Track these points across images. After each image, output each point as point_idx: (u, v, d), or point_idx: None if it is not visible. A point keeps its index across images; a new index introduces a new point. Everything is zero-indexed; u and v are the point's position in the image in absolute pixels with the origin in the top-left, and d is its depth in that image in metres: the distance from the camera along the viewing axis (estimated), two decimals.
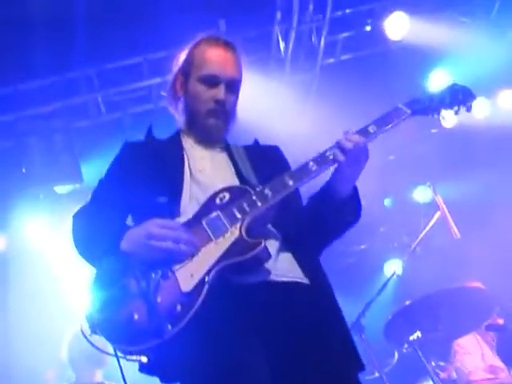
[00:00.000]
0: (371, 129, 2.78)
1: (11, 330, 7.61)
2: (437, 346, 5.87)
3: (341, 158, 2.67)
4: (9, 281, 7.68)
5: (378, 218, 9.08)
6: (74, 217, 2.94)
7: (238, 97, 3.05)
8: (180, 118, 3.10)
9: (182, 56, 3.07)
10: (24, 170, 7.08)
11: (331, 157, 2.69)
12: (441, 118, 2.98)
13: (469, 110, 2.97)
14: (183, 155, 2.95)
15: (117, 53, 7.28)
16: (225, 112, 2.98)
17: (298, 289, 2.69)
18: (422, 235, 5.98)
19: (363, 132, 2.76)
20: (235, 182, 2.87)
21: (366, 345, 5.53)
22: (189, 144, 3.02)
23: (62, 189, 7.47)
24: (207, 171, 2.91)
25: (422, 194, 8.49)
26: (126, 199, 2.88)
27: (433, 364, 5.79)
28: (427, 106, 2.94)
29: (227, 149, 3.06)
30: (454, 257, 7.59)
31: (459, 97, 2.96)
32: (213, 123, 2.98)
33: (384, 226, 9.26)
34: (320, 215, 2.79)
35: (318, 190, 2.82)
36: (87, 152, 7.44)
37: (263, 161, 3.03)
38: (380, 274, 8.49)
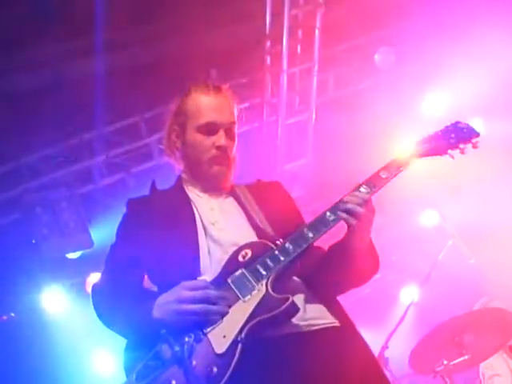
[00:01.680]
0: (383, 174, 2.79)
1: None
2: (464, 372, 5.81)
3: (353, 222, 2.66)
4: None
5: (388, 246, 9.07)
6: (94, 291, 2.94)
7: (236, 141, 3.05)
8: (180, 168, 3.10)
9: (174, 107, 3.07)
10: (34, 241, 7.13)
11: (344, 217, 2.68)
12: (449, 157, 2.96)
13: (475, 147, 2.95)
14: (192, 208, 2.94)
15: (113, 114, 7.38)
16: (227, 157, 2.98)
17: (330, 334, 2.70)
18: (435, 261, 5.99)
19: (373, 181, 2.76)
20: (250, 233, 2.86)
21: (392, 377, 5.49)
22: (194, 194, 3.01)
23: (73, 255, 7.50)
24: (220, 224, 2.90)
25: (429, 218, 8.47)
26: (140, 261, 2.87)
27: None
28: (434, 147, 2.93)
29: (233, 193, 3.04)
30: (469, 279, 7.55)
31: (464, 135, 2.95)
32: (217, 170, 2.97)
33: (396, 254, 9.23)
34: (341, 267, 2.78)
35: (336, 243, 2.80)
36: (95, 216, 7.49)
37: (270, 201, 3.02)
38: (397, 303, 8.45)
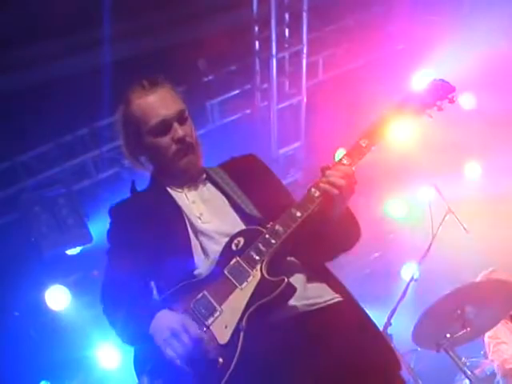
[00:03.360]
0: (363, 142, 2.79)
1: None
2: (467, 343, 5.84)
3: (335, 192, 2.67)
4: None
5: (385, 224, 9.11)
6: (102, 300, 2.94)
7: (191, 124, 3.02)
8: (149, 169, 3.08)
9: (121, 119, 3.03)
10: (33, 239, 7.15)
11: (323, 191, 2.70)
12: (427, 117, 2.96)
13: (452, 101, 2.96)
14: (176, 205, 2.94)
15: (105, 109, 7.38)
16: (189, 145, 2.95)
17: (333, 310, 2.73)
18: (433, 236, 6.02)
19: (354, 151, 2.77)
20: (237, 219, 2.87)
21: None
22: (174, 191, 3.00)
23: (73, 251, 7.53)
24: (205, 216, 2.90)
25: (426, 194, 8.51)
26: (136, 268, 2.86)
27: (466, 362, 5.77)
28: (410, 108, 2.92)
29: (209, 178, 3.04)
30: (468, 252, 7.61)
31: (439, 92, 2.95)
32: (186, 162, 2.95)
33: (393, 231, 9.27)
34: (324, 236, 2.79)
35: (317, 213, 2.78)
36: (92, 211, 7.51)
37: (247, 177, 3.02)
38: (398, 280, 8.50)
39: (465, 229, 6.26)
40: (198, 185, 3.01)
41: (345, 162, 2.75)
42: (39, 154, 7.40)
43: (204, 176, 3.04)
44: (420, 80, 7.88)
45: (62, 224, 7.17)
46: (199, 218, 2.89)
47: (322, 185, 2.69)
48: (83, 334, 7.87)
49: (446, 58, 7.63)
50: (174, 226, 2.87)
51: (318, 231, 2.77)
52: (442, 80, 3.00)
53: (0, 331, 7.65)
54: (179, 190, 2.99)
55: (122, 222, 2.99)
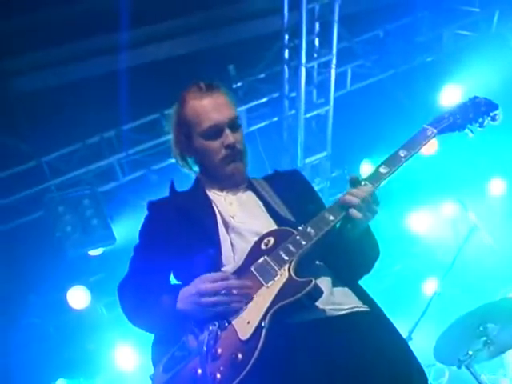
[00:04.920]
0: (401, 153, 2.82)
1: None
2: (487, 360, 5.79)
3: (358, 215, 2.68)
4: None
5: (409, 237, 9.08)
6: (120, 290, 2.96)
7: (242, 131, 3.05)
8: (195, 172, 3.12)
9: (174, 119, 3.06)
10: (57, 239, 7.20)
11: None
12: (468, 132, 2.99)
13: (494, 120, 2.97)
14: (211, 205, 2.97)
15: (133, 112, 7.43)
16: (239, 152, 2.98)
17: (359, 317, 2.71)
18: (458, 252, 5.98)
19: (392, 160, 2.81)
20: (269, 220, 2.89)
21: None
22: (213, 193, 3.03)
23: (95, 251, 7.57)
24: (239, 216, 2.93)
25: (451, 209, 8.48)
26: (165, 260, 2.91)
27: (485, 379, 5.72)
28: (452, 123, 2.96)
29: (250, 186, 3.07)
30: (491, 269, 7.54)
31: (482, 109, 2.97)
32: (232, 168, 2.98)
33: (416, 244, 9.22)
34: (345, 253, 2.79)
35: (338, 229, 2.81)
36: (116, 213, 7.55)
37: (288, 189, 3.04)
38: (419, 294, 8.44)
39: (492, 244, 6.21)
40: (238, 190, 3.04)
41: (382, 171, 2.78)
42: (65, 155, 7.45)
43: (246, 184, 3.07)
44: (448, 94, 7.86)
45: (86, 224, 7.21)
46: (232, 218, 2.91)
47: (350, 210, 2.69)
48: (101, 334, 7.91)
49: (473, 74, 7.60)
50: (206, 223, 2.89)
51: (341, 248, 2.78)
52: (485, 98, 3.01)
53: (21, 328, 7.71)
54: (219, 194, 3.02)
55: (158, 218, 3.02)
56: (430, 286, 8.17)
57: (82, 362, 7.89)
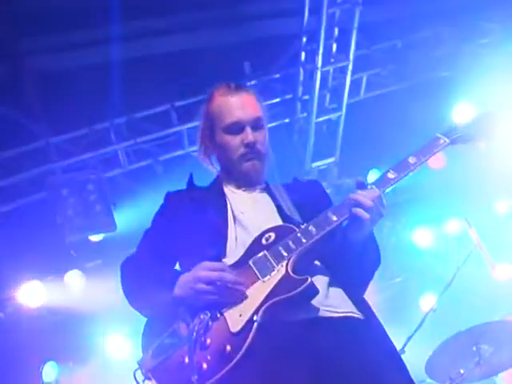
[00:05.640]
0: (411, 159, 2.83)
1: None
2: (478, 381, 5.76)
3: (365, 216, 2.68)
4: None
5: (411, 250, 9.05)
6: (123, 267, 3.02)
7: (265, 133, 3.10)
8: (216, 169, 3.19)
9: (202, 114, 3.17)
10: (58, 221, 7.17)
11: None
12: (480, 145, 2.99)
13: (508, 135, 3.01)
14: (225, 201, 3.03)
15: (145, 101, 7.41)
16: (257, 152, 3.03)
17: (352, 323, 2.71)
18: (457, 270, 5.94)
19: (401, 166, 2.81)
20: (277, 219, 2.92)
21: None
22: (229, 190, 3.09)
23: (95, 237, 7.55)
24: (249, 213, 2.97)
25: (455, 226, 8.45)
26: (172, 248, 2.97)
27: None
28: (465, 134, 2.97)
29: (267, 189, 3.12)
30: (490, 290, 7.50)
31: (496, 124, 2.98)
32: (249, 166, 3.04)
33: (418, 258, 9.19)
34: (347, 259, 2.81)
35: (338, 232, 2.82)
36: (119, 200, 7.53)
37: (304, 197, 3.07)
38: (416, 307, 8.41)
39: (491, 265, 6.18)
40: (254, 190, 3.09)
41: (390, 176, 2.79)
42: (73, 138, 7.42)
43: (263, 186, 3.12)
44: (461, 111, 7.82)
45: (89, 210, 7.18)
46: (242, 213, 2.96)
47: (353, 209, 2.69)
48: (94, 321, 7.89)
49: (488, 93, 7.55)
50: (216, 216, 2.94)
51: (343, 253, 2.79)
52: (499, 112, 3.02)
53: (13, 309, 7.71)
54: (234, 191, 3.09)
55: (172, 207, 3.10)
56: (427, 302, 8.14)
57: (73, 347, 7.87)
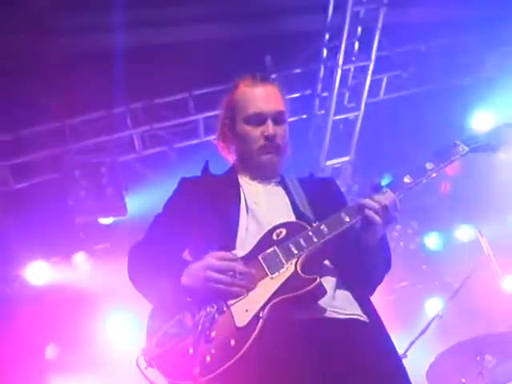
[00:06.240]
0: (428, 166, 2.81)
1: None
2: None
3: (377, 219, 2.67)
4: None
5: (420, 255, 9.02)
6: (131, 252, 2.99)
7: (286, 129, 3.08)
8: (233, 158, 3.17)
9: (225, 102, 3.15)
10: (70, 202, 7.18)
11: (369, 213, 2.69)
12: (499, 155, 2.98)
13: None
14: (239, 191, 3.01)
15: (163, 88, 7.40)
16: (276, 146, 3.01)
17: (356, 326, 2.70)
18: (466, 277, 5.90)
19: (418, 171, 2.79)
20: (290, 215, 2.90)
21: None
22: (244, 181, 3.07)
23: (105, 220, 7.56)
24: (262, 204, 2.95)
25: (465, 233, 8.41)
26: (182, 234, 2.94)
27: None
28: (486, 143, 2.95)
29: (282, 182, 3.09)
30: (497, 299, 7.45)
31: None
32: (267, 159, 3.02)
33: (426, 263, 9.17)
34: (358, 261, 2.79)
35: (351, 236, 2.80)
36: (131, 185, 7.53)
37: (319, 194, 3.05)
38: (421, 313, 8.38)
39: (499, 274, 6.13)
40: (269, 183, 3.07)
41: (406, 180, 2.78)
42: (90, 120, 7.42)
43: (279, 179, 3.10)
44: (480, 120, 7.77)
45: (100, 193, 7.19)
46: (255, 204, 2.94)
47: (367, 211, 2.68)
48: (96, 304, 7.91)
49: (509, 102, 7.51)
50: (229, 206, 2.93)
51: (353, 255, 2.77)
52: None
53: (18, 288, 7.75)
54: (250, 182, 3.07)
55: (185, 194, 3.08)
56: (432, 307, 8.10)
57: (76, 328, 7.90)
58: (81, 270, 7.96)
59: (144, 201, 7.33)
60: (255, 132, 3.00)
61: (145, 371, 2.62)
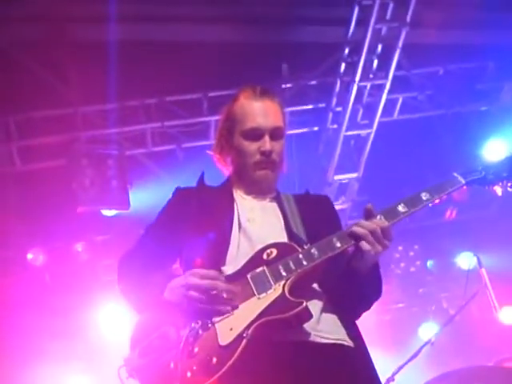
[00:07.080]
0: (424, 196, 2.77)
1: None
2: None
3: (367, 248, 2.63)
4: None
5: (419, 278, 9.00)
6: (121, 261, 2.99)
7: (283, 144, 3.05)
8: (229, 171, 3.14)
9: (224, 113, 3.11)
10: (73, 190, 7.17)
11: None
12: (496, 190, 2.93)
13: None
14: (233, 205, 2.99)
15: (177, 86, 7.40)
16: (272, 162, 2.99)
17: (340, 351, 2.67)
18: (463, 305, 5.87)
19: (411, 201, 2.75)
20: (283, 235, 2.88)
21: None
22: (239, 195, 3.05)
23: (108, 212, 7.55)
24: (256, 222, 2.93)
25: (466, 261, 8.39)
26: (172, 248, 2.94)
27: None
28: (483, 177, 2.90)
29: (277, 198, 3.07)
30: (492, 330, 7.42)
31: None
32: (261, 174, 2.99)
33: (424, 287, 9.14)
34: (347, 287, 2.75)
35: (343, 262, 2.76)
36: (137, 180, 7.53)
37: (313, 213, 3.02)
38: (414, 336, 8.35)
39: (495, 307, 6.09)
40: (263, 199, 3.05)
41: (400, 209, 2.74)
42: (102, 111, 7.42)
43: (274, 195, 3.08)
44: (492, 148, 7.75)
45: (105, 184, 7.18)
46: (248, 221, 2.92)
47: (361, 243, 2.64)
48: (91, 294, 7.92)
49: None
50: (221, 221, 2.90)
51: (344, 281, 2.74)
52: None
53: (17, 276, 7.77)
54: (244, 197, 3.05)
55: (179, 205, 3.06)
56: (427, 332, 8.06)
57: (68, 319, 7.91)
58: (80, 259, 7.96)
59: (148, 196, 7.32)
60: (252, 147, 2.98)
61: (125, 381, 2.64)
